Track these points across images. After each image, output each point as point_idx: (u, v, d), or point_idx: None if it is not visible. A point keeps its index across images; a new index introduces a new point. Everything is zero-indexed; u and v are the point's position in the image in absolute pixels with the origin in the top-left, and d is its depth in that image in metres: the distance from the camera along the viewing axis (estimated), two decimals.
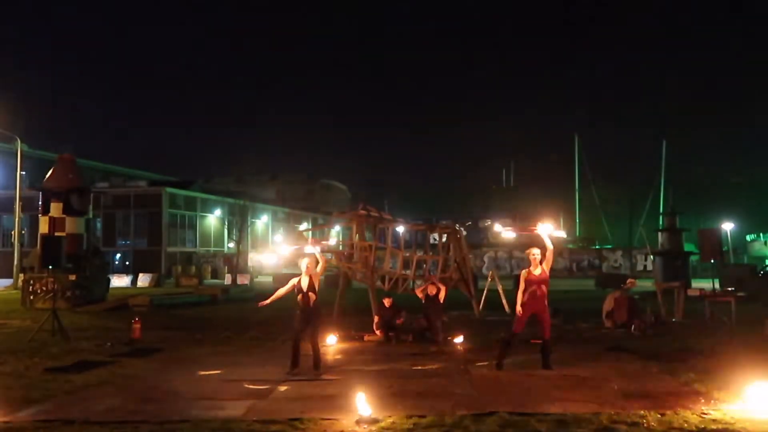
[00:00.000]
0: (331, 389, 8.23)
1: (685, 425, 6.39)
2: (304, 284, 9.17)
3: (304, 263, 9.30)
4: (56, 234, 20.11)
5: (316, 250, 9.69)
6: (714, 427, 6.33)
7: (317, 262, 9.37)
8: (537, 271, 9.12)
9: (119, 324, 15.31)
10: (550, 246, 9.20)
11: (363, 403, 6.87)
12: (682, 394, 7.68)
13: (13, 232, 38.91)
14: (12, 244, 37.97)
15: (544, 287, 9.10)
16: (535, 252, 9.14)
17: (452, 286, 15.93)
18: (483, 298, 17.15)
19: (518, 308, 9.29)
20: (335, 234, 32.94)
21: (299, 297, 9.17)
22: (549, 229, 9.52)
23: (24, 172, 38.65)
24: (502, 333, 10.80)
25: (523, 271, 9.27)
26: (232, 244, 59.24)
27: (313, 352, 9.31)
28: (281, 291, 9.45)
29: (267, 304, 9.59)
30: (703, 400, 7.32)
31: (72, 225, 21.78)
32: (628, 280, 15.58)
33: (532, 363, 9.48)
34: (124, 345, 12.09)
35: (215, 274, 47.86)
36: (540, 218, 9.95)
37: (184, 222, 54.77)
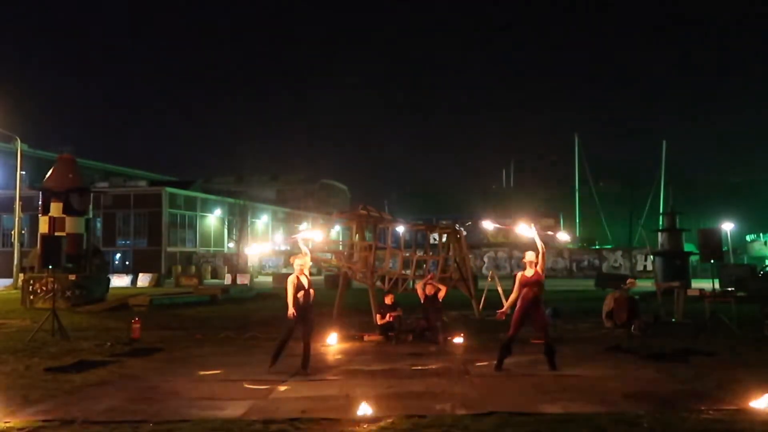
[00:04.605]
0: (331, 389, 8.23)
1: (685, 425, 6.38)
2: (305, 282, 9.18)
3: (297, 263, 9.25)
4: (56, 234, 20.12)
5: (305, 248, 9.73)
6: (714, 427, 6.32)
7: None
8: (528, 273, 9.21)
9: (119, 324, 15.30)
10: (540, 247, 9.28)
11: (363, 403, 6.87)
12: (682, 394, 7.67)
13: (13, 232, 38.90)
14: (12, 244, 37.97)
15: (536, 289, 9.12)
16: (528, 254, 9.28)
17: (452, 286, 15.92)
18: (483, 298, 17.12)
19: (501, 311, 9.73)
20: (335, 234, 32.95)
21: (301, 294, 9.10)
22: (525, 229, 9.78)
23: (24, 172, 38.70)
24: (501, 334, 10.79)
25: (519, 274, 9.37)
26: (232, 244, 59.32)
27: (305, 351, 9.24)
28: (291, 295, 9.05)
29: (294, 314, 9.03)
30: (703, 400, 7.31)
31: (72, 225, 21.80)
32: (628, 280, 15.55)
33: (532, 363, 9.49)
34: (124, 345, 12.09)
35: (215, 274, 47.89)
36: (524, 219, 10.13)
37: (184, 222, 54.82)
